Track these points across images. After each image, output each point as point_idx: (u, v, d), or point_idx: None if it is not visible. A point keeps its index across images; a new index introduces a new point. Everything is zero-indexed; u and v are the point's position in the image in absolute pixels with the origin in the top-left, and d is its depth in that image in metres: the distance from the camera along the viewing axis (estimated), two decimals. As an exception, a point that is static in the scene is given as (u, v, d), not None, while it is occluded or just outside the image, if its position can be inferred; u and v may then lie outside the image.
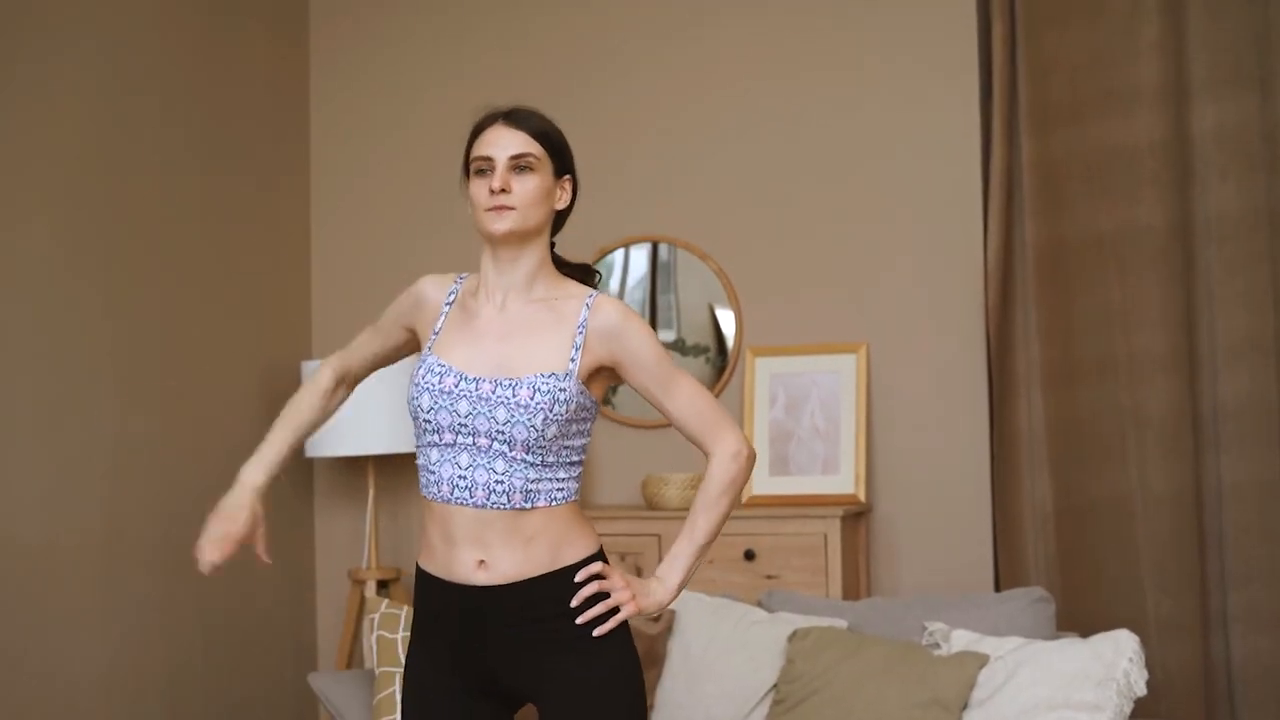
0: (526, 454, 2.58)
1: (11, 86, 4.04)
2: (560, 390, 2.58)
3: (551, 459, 2.61)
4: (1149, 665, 4.00)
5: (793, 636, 3.88)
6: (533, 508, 2.59)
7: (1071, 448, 4.47)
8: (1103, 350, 4.46)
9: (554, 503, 2.61)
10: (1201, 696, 4.31)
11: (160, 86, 4.59)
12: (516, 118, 2.69)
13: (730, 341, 4.91)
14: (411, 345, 2.83)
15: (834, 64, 4.83)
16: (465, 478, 2.59)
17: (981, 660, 3.67)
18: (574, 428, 2.63)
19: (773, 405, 4.76)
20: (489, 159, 2.65)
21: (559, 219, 2.78)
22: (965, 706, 3.62)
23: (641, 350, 2.66)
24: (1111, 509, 4.42)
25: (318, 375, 2.86)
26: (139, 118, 4.49)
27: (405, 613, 3.98)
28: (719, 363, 4.92)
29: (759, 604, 4.20)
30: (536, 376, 2.58)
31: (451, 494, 2.60)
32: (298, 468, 5.16)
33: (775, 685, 3.86)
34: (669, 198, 4.99)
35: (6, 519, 3.96)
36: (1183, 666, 4.31)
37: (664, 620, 4.01)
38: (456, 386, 2.61)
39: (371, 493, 4.96)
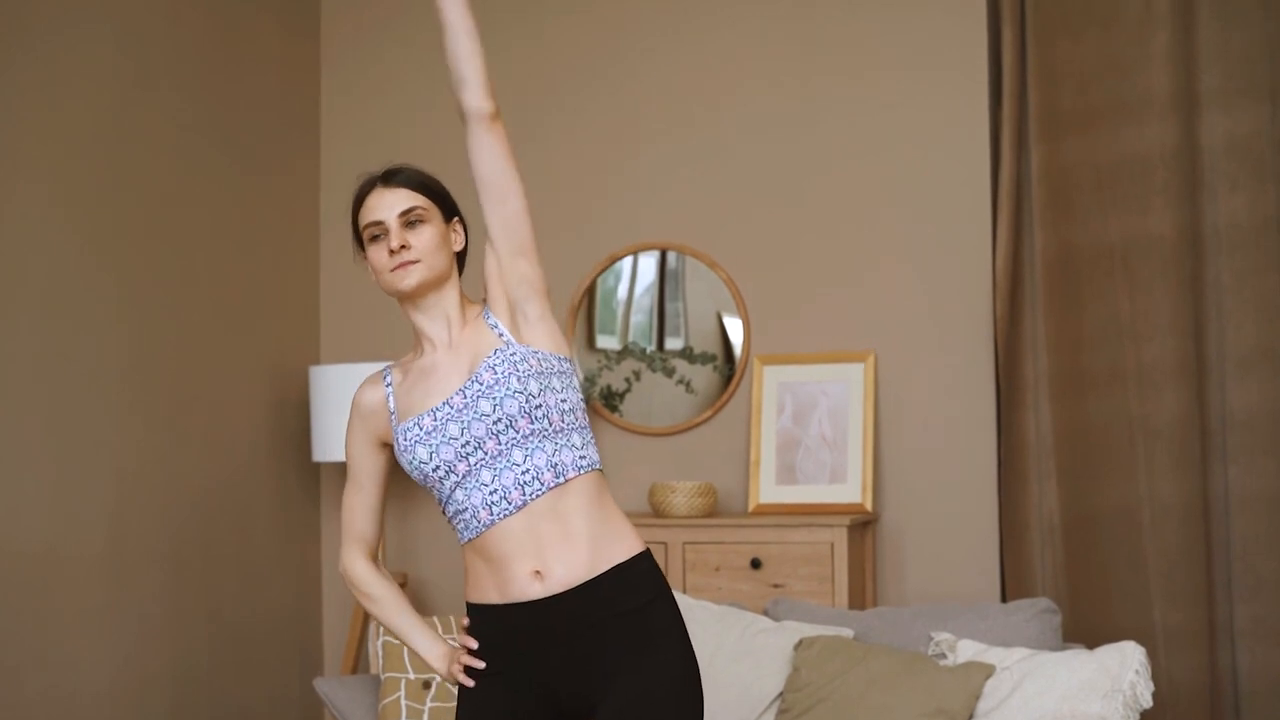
0: (531, 425, 2.58)
1: (18, 88, 4.05)
2: (511, 355, 2.61)
3: (557, 422, 2.61)
4: (1155, 677, 4.00)
5: (799, 645, 3.87)
6: (566, 481, 2.60)
7: (1079, 458, 4.46)
8: (1111, 360, 4.45)
9: (582, 471, 2.62)
10: (1208, 708, 4.30)
11: (170, 89, 4.60)
12: (394, 177, 2.74)
13: (738, 350, 4.91)
14: (391, 453, 2.81)
15: (844, 72, 4.83)
16: (495, 490, 2.59)
17: (987, 671, 3.67)
18: (556, 383, 2.64)
19: (780, 414, 4.76)
20: (379, 223, 2.69)
21: (461, 260, 2.80)
22: (971, 717, 3.62)
23: (493, 268, 2.69)
24: (1119, 520, 4.42)
25: (351, 573, 2.83)
26: (147, 120, 4.49)
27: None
28: (726, 371, 4.91)
29: (765, 612, 4.20)
30: (487, 359, 2.62)
31: (492, 515, 2.60)
32: (305, 472, 5.16)
33: (781, 694, 3.85)
34: (678, 205, 4.99)
35: (13, 523, 3.96)
36: (1189, 678, 4.30)
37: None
38: (435, 421, 2.63)
39: (378, 498, 4.96)
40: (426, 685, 3.95)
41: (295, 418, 5.09)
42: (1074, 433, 4.47)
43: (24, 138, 4.04)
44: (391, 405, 2.73)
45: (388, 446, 2.77)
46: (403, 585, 4.98)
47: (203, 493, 4.67)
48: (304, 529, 5.21)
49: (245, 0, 5.00)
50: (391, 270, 2.67)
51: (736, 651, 3.94)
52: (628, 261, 5.04)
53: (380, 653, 4.10)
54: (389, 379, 2.77)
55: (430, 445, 2.62)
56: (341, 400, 4.68)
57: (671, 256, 4.99)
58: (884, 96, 4.78)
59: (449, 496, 2.65)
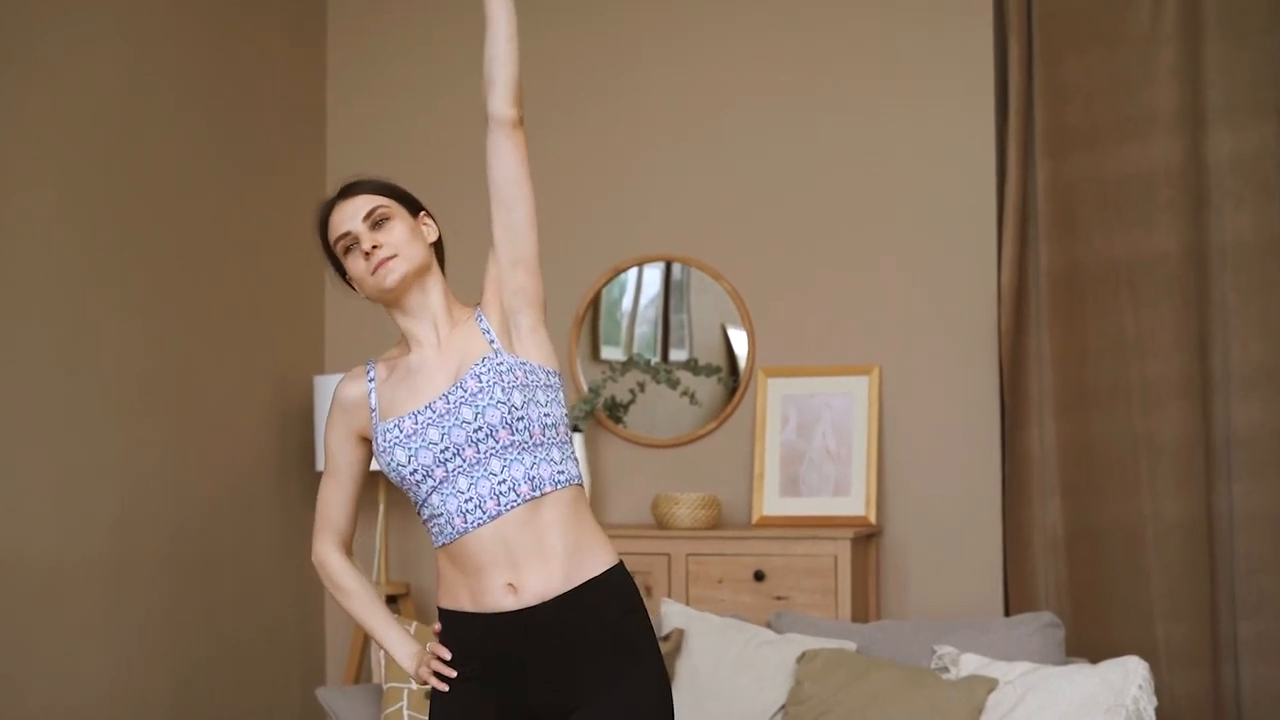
0: (512, 436, 2.58)
1: (23, 96, 4.05)
2: (498, 364, 2.61)
3: (538, 435, 2.61)
4: (1158, 692, 3.99)
5: (801, 658, 3.87)
6: (542, 495, 2.59)
7: (1083, 473, 4.46)
8: (1116, 376, 4.45)
9: (559, 486, 2.61)
10: (1211, 725, 4.30)
11: (175, 97, 4.61)
12: (350, 189, 2.74)
13: (742, 362, 4.91)
14: (370, 448, 2.80)
15: (849, 85, 4.84)
16: (471, 498, 2.59)
17: (990, 685, 3.67)
18: (541, 396, 2.63)
19: (784, 426, 4.76)
20: (347, 233, 2.70)
21: (440, 256, 2.80)
22: (974, 731, 3.62)
23: (493, 273, 2.69)
24: (1123, 535, 4.42)
25: (326, 564, 2.84)
26: (152, 127, 4.50)
27: (414, 628, 3.98)
28: (731, 383, 4.92)
29: (768, 625, 4.20)
30: (474, 366, 2.61)
31: (465, 522, 2.59)
32: (308, 481, 5.16)
33: (783, 706, 3.85)
34: (683, 217, 4.99)
35: (15, 531, 3.96)
36: (1192, 694, 4.30)
37: (673, 640, 4.01)
38: (415, 424, 2.62)
39: (381, 508, 4.96)
40: (429, 695, 3.94)
41: (298, 427, 5.09)
42: (1078, 448, 4.47)
43: (29, 145, 4.05)
44: (373, 402, 2.73)
45: (367, 441, 2.77)
46: (404, 595, 4.98)
47: (206, 501, 4.67)
48: (307, 538, 5.13)
49: (251, 7, 5.00)
50: (372, 273, 2.67)
51: (739, 664, 3.94)
52: (633, 273, 5.04)
53: (382, 663, 4.10)
54: (372, 374, 2.77)
55: (409, 448, 2.62)
56: (346, 409, 4.69)
57: (676, 268, 5.00)
58: (891, 111, 4.79)
59: (425, 500, 2.64)
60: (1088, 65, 4.52)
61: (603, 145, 5.10)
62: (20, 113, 4.02)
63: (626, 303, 5.08)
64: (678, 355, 5.00)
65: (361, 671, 4.96)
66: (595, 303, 5.05)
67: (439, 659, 2.67)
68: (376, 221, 2.69)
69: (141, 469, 4.40)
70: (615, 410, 4.99)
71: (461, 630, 2.66)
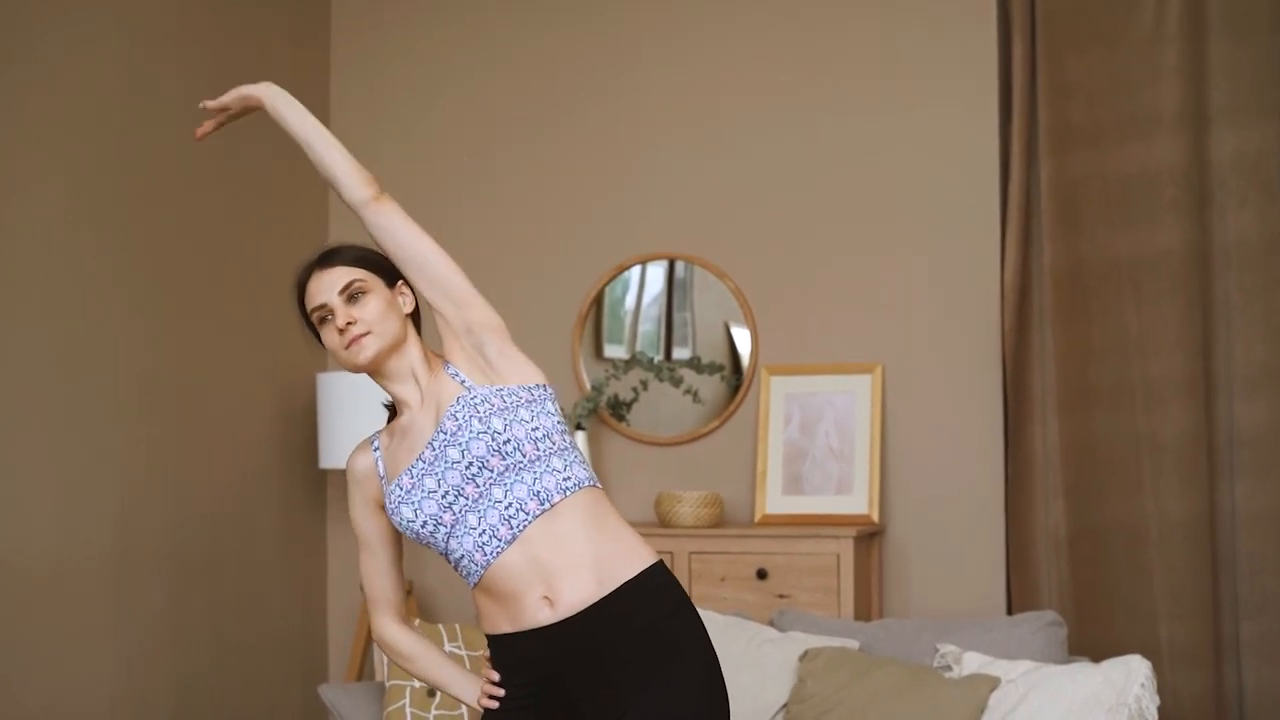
0: (504, 461, 2.58)
1: (26, 95, 4.05)
2: (471, 399, 2.63)
3: (531, 451, 2.61)
4: (1161, 692, 3.99)
5: (804, 656, 3.87)
6: (553, 506, 2.60)
7: (1086, 472, 4.46)
8: (1119, 375, 4.45)
9: (567, 493, 2.61)
10: (1213, 724, 4.30)
11: (179, 95, 4.59)
12: (328, 258, 2.78)
13: (745, 360, 4.91)
14: None
15: (853, 83, 4.84)
16: (484, 531, 2.60)
17: (993, 683, 3.67)
18: (524, 413, 2.63)
19: (787, 424, 4.76)
20: (323, 305, 2.73)
21: (416, 321, 2.81)
22: (976, 730, 3.62)
23: (444, 329, 2.72)
24: (1125, 534, 4.42)
25: (384, 640, 2.86)
26: (156, 126, 4.49)
27: (417, 625, 3.99)
28: (734, 381, 4.92)
29: (771, 623, 4.20)
30: (449, 408, 2.64)
31: (486, 555, 2.60)
32: (312, 479, 5.16)
33: (786, 705, 3.85)
34: (686, 215, 4.99)
35: (18, 531, 3.96)
36: (1195, 694, 4.30)
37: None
38: (412, 479, 2.65)
39: (384, 505, 4.96)
40: (431, 693, 3.95)
41: (302, 425, 5.10)
42: (1081, 447, 4.47)
43: (32, 144, 4.05)
44: (381, 470, 2.76)
45: (384, 507, 2.79)
46: (408, 594, 4.98)
47: (209, 500, 4.67)
48: (310, 536, 5.21)
49: (254, 6, 5.00)
50: (346, 348, 2.69)
51: (742, 662, 3.94)
52: (636, 271, 5.04)
53: (386, 660, 4.10)
54: (376, 444, 2.80)
55: (412, 503, 2.63)
56: (349, 407, 4.69)
57: (680, 266, 5.00)
58: (894, 110, 4.79)
59: (445, 548, 2.66)
60: (1091, 64, 4.52)
61: (605, 144, 5.10)
62: (23, 112, 4.02)
63: (629, 301, 5.09)
64: (681, 353, 5.00)
65: (364, 669, 4.97)
66: (598, 301, 5.06)
67: (490, 682, 2.69)
68: (352, 295, 2.71)
69: (144, 468, 4.40)
70: (618, 408, 4.99)
71: (508, 652, 2.67)
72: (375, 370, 2.73)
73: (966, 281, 4.68)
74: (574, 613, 2.57)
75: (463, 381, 2.67)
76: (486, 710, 2.70)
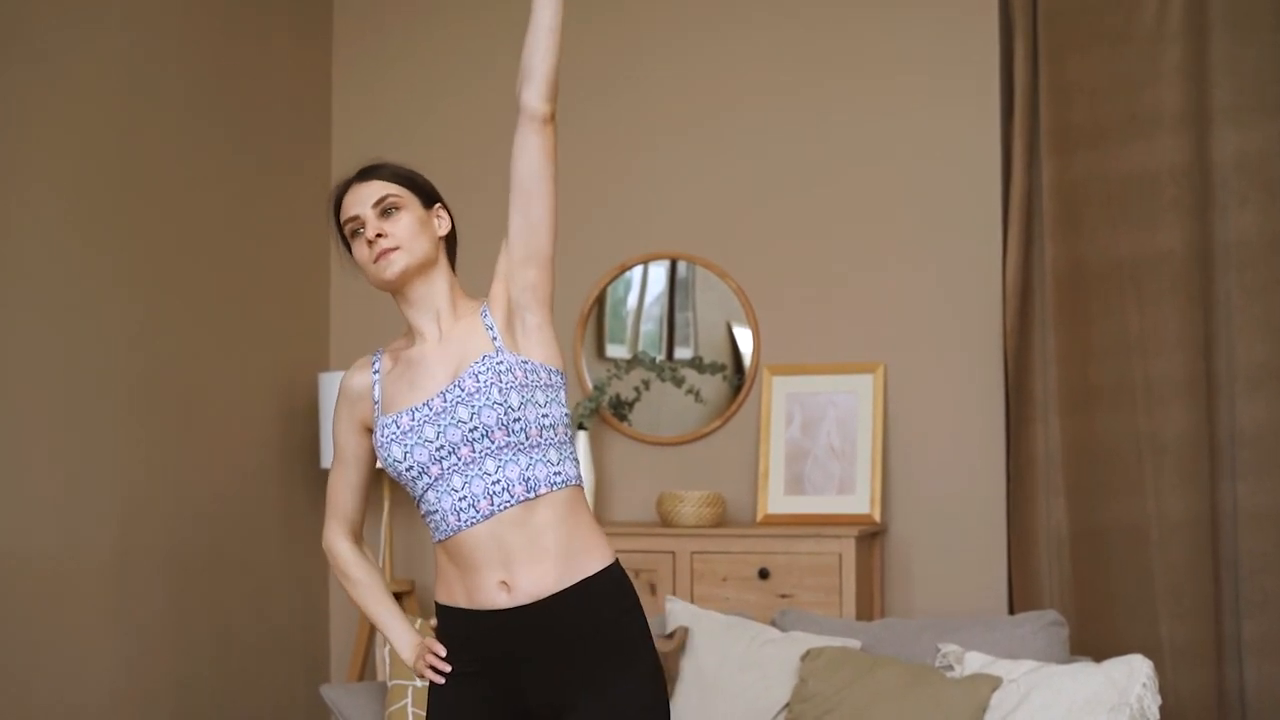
0: (508, 437, 2.58)
1: (28, 93, 4.05)
2: (498, 364, 2.61)
3: (535, 436, 2.61)
4: (1162, 691, 3.99)
5: (806, 656, 3.87)
6: (537, 496, 2.59)
7: (1087, 472, 4.46)
8: (1120, 375, 4.46)
9: (555, 487, 2.61)
10: (1215, 724, 4.30)
11: (180, 94, 4.61)
12: (367, 172, 2.76)
13: (747, 360, 4.91)
14: None
15: (855, 83, 4.84)
16: (465, 497, 2.59)
17: (994, 683, 3.67)
18: (540, 396, 2.63)
19: (789, 424, 4.76)
20: (355, 217, 2.71)
21: (451, 249, 2.80)
22: (978, 729, 3.62)
23: (503, 267, 2.69)
24: (1127, 534, 4.42)
25: (334, 551, 2.85)
26: (157, 124, 4.50)
27: (419, 625, 3.99)
28: (736, 381, 4.92)
29: (772, 623, 4.20)
30: (472, 365, 2.61)
31: (459, 520, 2.60)
32: (313, 478, 5.16)
33: (788, 705, 3.85)
34: (688, 215, 5.00)
35: (20, 530, 3.97)
36: (1196, 693, 4.30)
37: (677, 638, 4.01)
38: (413, 421, 2.63)
39: (386, 505, 4.97)
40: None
41: (303, 424, 5.10)
42: (1082, 447, 4.47)
43: (33, 143, 4.05)
44: (376, 394, 2.74)
45: (372, 431, 2.77)
46: (409, 592, 4.98)
47: (210, 499, 4.67)
48: (311, 535, 5.20)
49: (257, 5, 5.01)
50: (374, 261, 2.68)
51: (743, 662, 3.94)
52: (638, 270, 5.05)
53: (387, 660, 4.10)
54: (377, 365, 2.78)
55: (405, 445, 2.62)
56: (351, 406, 4.69)
57: (682, 266, 5.00)
58: (896, 110, 4.79)
59: (422, 496, 2.65)
60: (1093, 64, 4.52)
61: (608, 143, 5.11)
62: (25, 111, 4.02)
63: (632, 300, 5.09)
64: (683, 353, 5.00)
65: (366, 669, 4.97)
66: (600, 300, 5.06)
67: (435, 654, 2.68)
68: (385, 210, 2.70)
69: (146, 466, 4.41)
70: (620, 408, 4.99)
71: (457, 626, 2.67)
72: (398, 291, 2.71)
73: (968, 281, 4.68)
74: (530, 601, 2.58)
75: (494, 338, 2.64)
76: (432, 684, 2.70)
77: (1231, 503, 4.34)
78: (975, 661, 3.80)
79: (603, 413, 4.98)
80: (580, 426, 4.83)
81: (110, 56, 4.33)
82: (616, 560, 2.68)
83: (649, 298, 5.07)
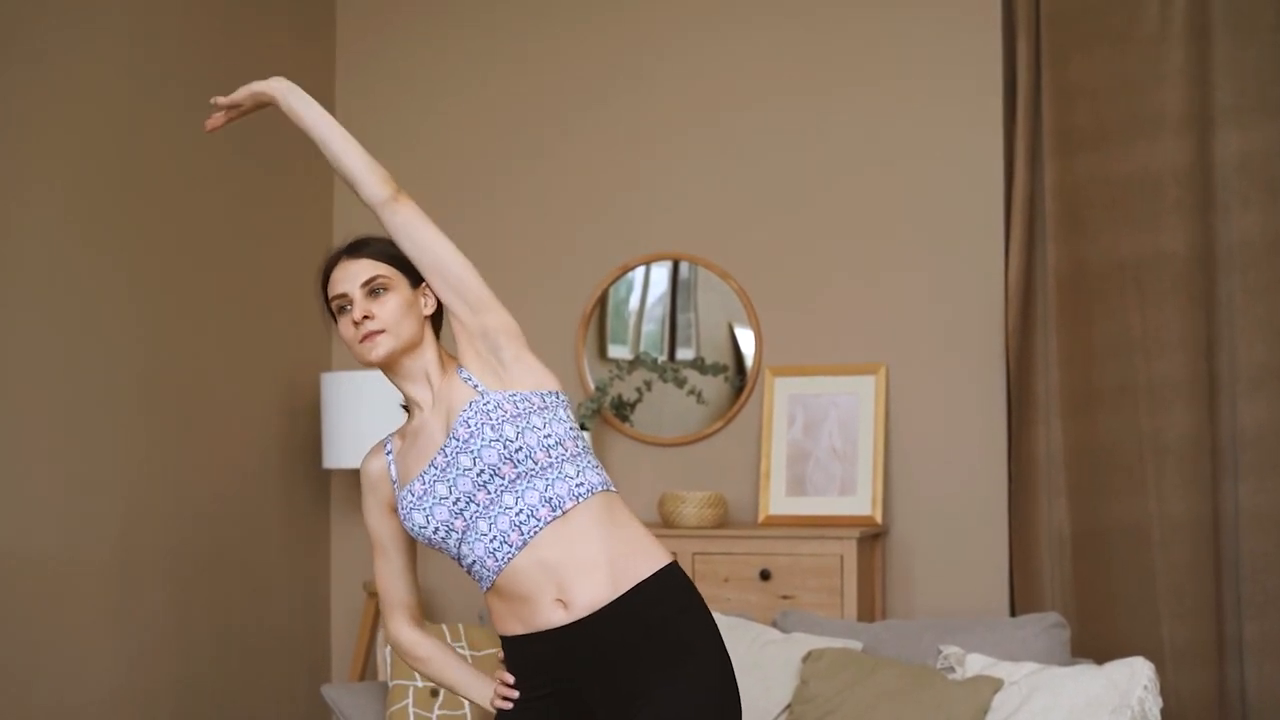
0: (516, 469, 2.59)
1: (29, 93, 4.05)
2: (484, 405, 2.63)
3: (543, 459, 2.62)
4: (1164, 693, 4.00)
5: (807, 657, 3.87)
6: (565, 513, 2.60)
7: (1089, 473, 4.46)
8: (1122, 376, 4.45)
9: (580, 499, 2.62)
10: (1216, 725, 4.30)
11: (183, 93, 4.60)
12: (357, 248, 2.76)
13: (749, 361, 4.91)
14: None
15: (857, 85, 4.84)
16: (494, 537, 2.61)
17: (996, 685, 3.67)
18: (536, 420, 2.64)
19: (791, 425, 4.76)
20: (343, 295, 2.73)
21: (437, 323, 2.82)
22: (979, 731, 3.62)
23: (459, 330, 2.72)
24: (1128, 535, 4.42)
25: (399, 644, 2.88)
26: (159, 125, 4.50)
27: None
28: (738, 382, 4.92)
29: (774, 624, 4.20)
30: (461, 413, 2.64)
31: (497, 561, 2.61)
32: (315, 479, 5.16)
33: (789, 706, 3.85)
34: (690, 216, 5.00)
35: (22, 529, 3.97)
36: (1198, 695, 4.30)
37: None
38: (424, 485, 2.66)
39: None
40: (435, 693, 3.95)
41: (306, 424, 5.10)
42: (1084, 448, 4.47)
43: (35, 143, 4.05)
44: (393, 473, 2.78)
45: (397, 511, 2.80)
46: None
47: (212, 499, 4.68)
48: (314, 535, 5.21)
49: (260, 6, 5.01)
50: (359, 342, 2.70)
51: (745, 663, 3.93)
52: (640, 271, 5.05)
53: (388, 660, 4.10)
54: (389, 447, 2.81)
55: (424, 509, 2.65)
56: (353, 407, 4.69)
57: (684, 267, 5.00)
58: (898, 110, 4.79)
59: (457, 553, 2.67)
60: (1095, 65, 4.52)
61: (610, 145, 5.11)
62: (26, 111, 4.02)
63: (634, 301, 5.09)
64: (684, 354, 5.00)
65: (367, 669, 4.97)
66: (602, 301, 5.06)
67: (504, 684, 2.70)
68: (374, 290, 2.71)
69: (148, 467, 4.41)
70: (622, 409, 4.99)
71: (521, 653, 2.68)
72: (387, 368, 2.74)
73: (970, 282, 4.68)
74: (588, 613, 2.58)
75: (475, 386, 2.67)
76: (500, 711, 2.71)
77: (1233, 504, 4.34)
78: (976, 663, 3.80)
79: (604, 413, 4.98)
80: (582, 427, 4.83)
81: (112, 57, 4.33)
82: (673, 562, 2.68)
83: (651, 298, 5.07)
